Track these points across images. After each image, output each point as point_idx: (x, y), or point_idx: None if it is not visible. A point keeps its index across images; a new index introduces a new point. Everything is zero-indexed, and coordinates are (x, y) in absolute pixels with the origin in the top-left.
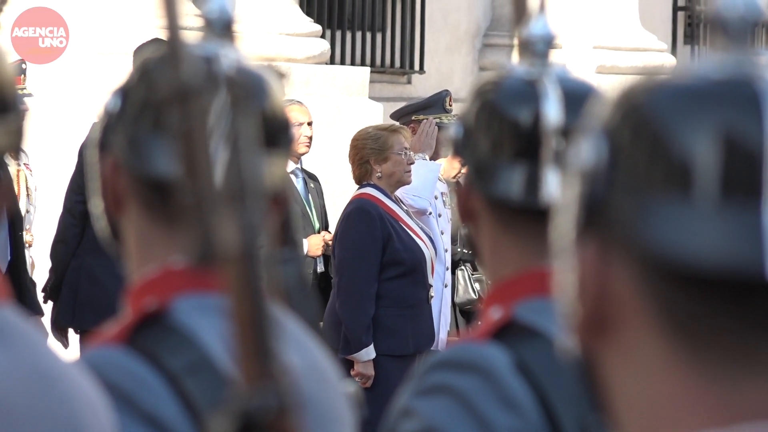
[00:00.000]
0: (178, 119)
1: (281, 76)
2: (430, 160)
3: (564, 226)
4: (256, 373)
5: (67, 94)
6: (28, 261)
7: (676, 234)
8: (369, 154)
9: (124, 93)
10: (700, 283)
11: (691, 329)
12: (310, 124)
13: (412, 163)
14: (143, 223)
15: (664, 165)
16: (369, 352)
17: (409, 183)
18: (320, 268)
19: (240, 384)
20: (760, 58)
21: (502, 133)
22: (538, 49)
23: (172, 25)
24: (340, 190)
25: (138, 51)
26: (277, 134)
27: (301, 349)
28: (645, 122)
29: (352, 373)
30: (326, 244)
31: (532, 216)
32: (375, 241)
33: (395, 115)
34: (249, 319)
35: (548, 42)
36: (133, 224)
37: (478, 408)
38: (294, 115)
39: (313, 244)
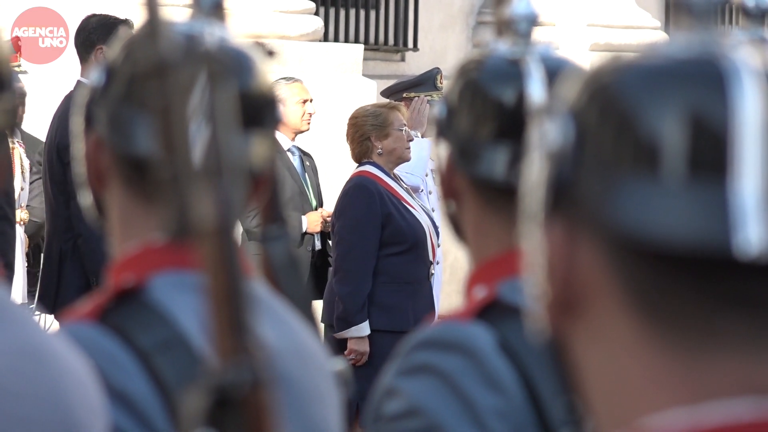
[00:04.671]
0: (156, 94)
1: (271, 53)
2: (422, 137)
3: (532, 208)
4: (231, 348)
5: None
6: (22, 238)
7: (643, 212)
8: (370, 130)
9: (108, 70)
10: (668, 261)
11: (659, 307)
12: (311, 101)
13: (411, 140)
14: (125, 200)
15: (631, 144)
16: (363, 329)
17: (408, 159)
18: (318, 246)
19: (214, 359)
20: (724, 38)
21: (486, 112)
22: (521, 28)
23: (152, 1)
24: (333, 168)
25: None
26: (260, 113)
27: (284, 328)
28: (612, 102)
29: (346, 352)
30: (324, 221)
31: (516, 196)
32: (374, 217)
33: (386, 93)
34: (224, 294)
35: (531, 21)
36: (116, 201)
37: (462, 388)
38: (296, 92)
39: (311, 221)
